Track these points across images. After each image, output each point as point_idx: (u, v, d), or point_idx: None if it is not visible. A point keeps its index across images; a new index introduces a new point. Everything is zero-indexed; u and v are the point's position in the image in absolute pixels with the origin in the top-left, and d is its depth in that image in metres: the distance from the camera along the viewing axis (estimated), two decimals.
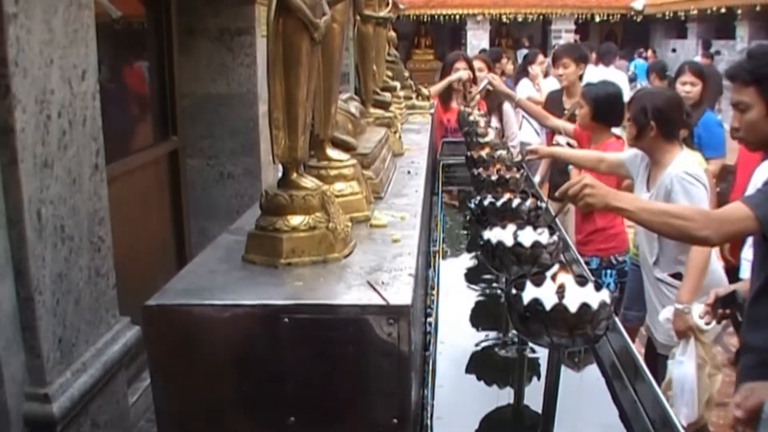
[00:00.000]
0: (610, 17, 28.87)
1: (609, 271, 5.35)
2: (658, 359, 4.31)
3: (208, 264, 1.92)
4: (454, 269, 3.71)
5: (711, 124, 6.27)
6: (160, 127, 5.58)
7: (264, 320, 1.64)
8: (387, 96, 3.71)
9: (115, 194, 3.53)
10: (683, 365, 3.57)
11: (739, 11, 21.76)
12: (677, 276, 4.21)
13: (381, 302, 1.63)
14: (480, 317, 3.19)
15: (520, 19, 28.55)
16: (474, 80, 7.51)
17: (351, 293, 1.69)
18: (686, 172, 4.09)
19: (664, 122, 4.21)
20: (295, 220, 1.87)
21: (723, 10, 22.20)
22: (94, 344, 3.23)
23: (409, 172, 3.12)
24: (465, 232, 4.43)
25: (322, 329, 1.64)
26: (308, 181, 1.94)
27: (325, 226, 1.89)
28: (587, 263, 5.27)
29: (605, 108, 5.44)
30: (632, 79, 19.00)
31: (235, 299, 1.67)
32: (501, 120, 7.65)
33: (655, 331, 4.42)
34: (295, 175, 1.93)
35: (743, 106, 3.10)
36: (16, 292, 2.79)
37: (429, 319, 2.74)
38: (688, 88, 6.33)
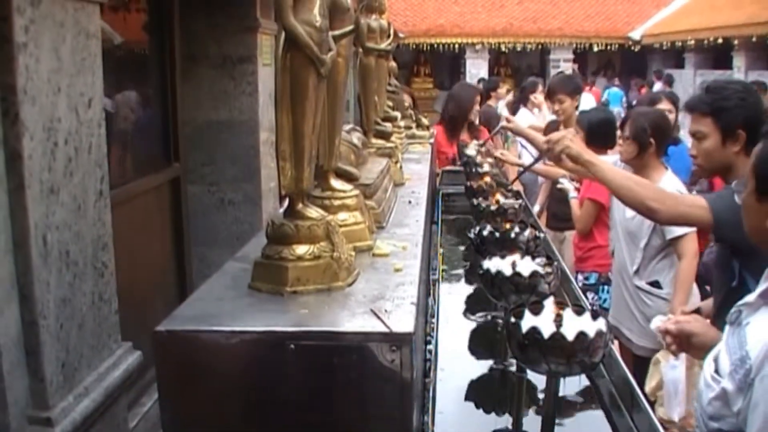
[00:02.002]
0: (608, 47, 29.02)
1: (607, 287, 5.41)
2: (637, 360, 4.44)
3: (216, 291, 1.96)
4: (453, 297, 3.74)
5: (683, 155, 6.37)
6: (162, 153, 5.62)
7: (270, 346, 1.69)
8: (388, 126, 3.76)
9: (117, 220, 3.57)
10: (676, 369, 3.65)
11: (736, 42, 21.88)
12: (655, 284, 4.47)
13: (384, 330, 1.67)
14: (479, 345, 3.23)
15: (518, 49, 28.67)
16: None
17: (355, 321, 1.74)
18: (678, 191, 4.25)
19: (661, 138, 4.38)
20: (301, 249, 1.92)
21: (720, 41, 22.32)
22: (96, 369, 3.25)
23: (410, 202, 3.17)
24: (464, 261, 4.47)
25: (326, 355, 1.68)
26: (313, 212, 1.99)
27: (330, 255, 1.94)
28: (586, 278, 5.36)
29: (599, 133, 5.58)
30: (605, 104, 19.27)
31: (243, 326, 1.71)
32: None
33: (630, 332, 4.61)
34: (300, 205, 1.99)
35: (700, 135, 3.37)
36: (21, 316, 2.82)
37: (429, 347, 2.77)
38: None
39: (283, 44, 1.88)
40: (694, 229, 4.20)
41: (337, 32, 2.13)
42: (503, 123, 6.36)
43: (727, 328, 2.20)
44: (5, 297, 2.73)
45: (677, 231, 4.26)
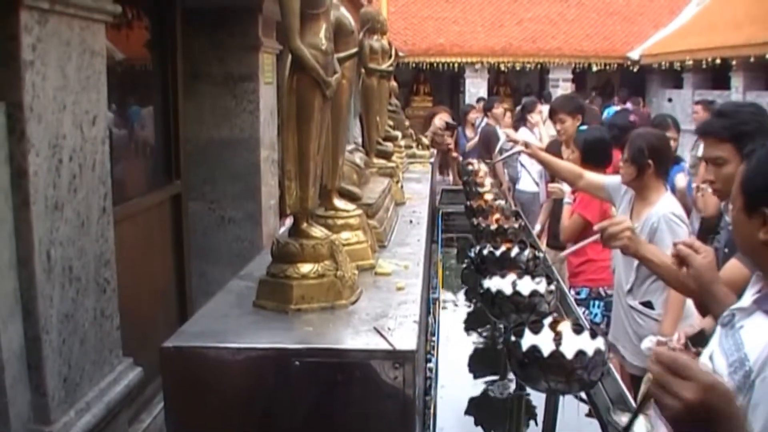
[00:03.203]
0: (607, 66, 29.06)
1: (597, 302, 5.45)
2: (633, 378, 4.45)
3: (221, 308, 1.99)
4: (453, 316, 3.78)
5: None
6: (164, 170, 5.63)
7: (276, 363, 1.72)
8: (389, 146, 3.79)
9: (118, 236, 3.59)
10: None
11: (734, 62, 21.93)
12: (647, 304, 4.45)
13: (387, 347, 1.71)
14: (479, 363, 3.25)
15: (518, 68, 28.72)
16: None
17: (359, 338, 1.77)
18: (673, 213, 4.31)
19: (659, 159, 4.40)
20: (305, 267, 1.95)
21: (718, 62, 22.37)
22: (97, 384, 3.27)
23: (411, 221, 3.20)
24: (463, 279, 4.50)
25: (331, 372, 1.72)
26: (318, 231, 2.03)
27: (334, 274, 1.97)
28: (577, 293, 5.37)
29: (594, 151, 5.63)
30: (602, 123, 19.40)
31: (248, 342, 1.75)
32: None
33: (624, 350, 4.59)
34: (305, 224, 2.02)
35: (721, 161, 3.31)
36: (24, 331, 2.84)
37: (430, 365, 2.80)
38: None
39: (289, 67, 1.92)
40: None
41: (341, 55, 2.18)
42: (519, 147, 6.35)
43: (719, 329, 2.24)
44: (9, 312, 2.76)
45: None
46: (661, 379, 1.57)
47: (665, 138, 4.68)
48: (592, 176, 5.05)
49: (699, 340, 3.45)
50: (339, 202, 2.38)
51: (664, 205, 4.34)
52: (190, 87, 5.97)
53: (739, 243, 2.25)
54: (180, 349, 1.74)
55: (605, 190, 4.85)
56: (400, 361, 1.70)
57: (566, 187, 5.82)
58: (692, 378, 1.54)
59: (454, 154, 7.59)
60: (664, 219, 4.27)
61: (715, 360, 2.14)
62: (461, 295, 4.27)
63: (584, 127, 6.33)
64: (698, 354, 3.47)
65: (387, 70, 3.67)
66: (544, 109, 10.52)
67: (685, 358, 1.59)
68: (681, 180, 6.38)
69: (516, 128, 10.35)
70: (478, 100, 20.05)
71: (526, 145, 5.74)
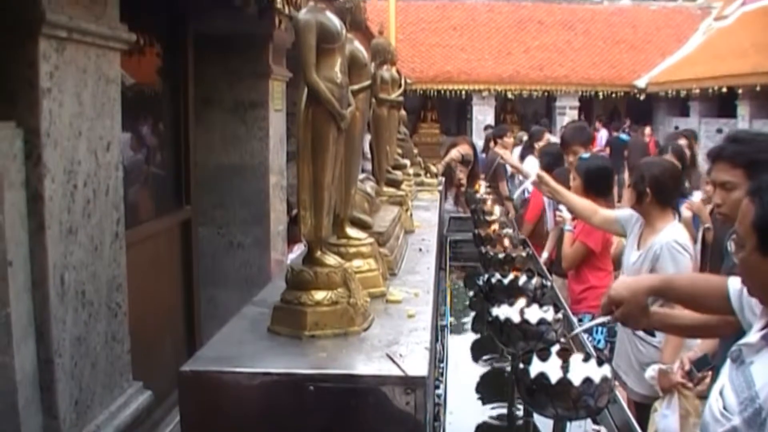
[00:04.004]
0: (614, 94, 29.15)
1: (600, 329, 5.45)
2: (637, 406, 4.46)
3: (236, 334, 2.04)
4: (461, 343, 3.80)
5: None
6: (174, 196, 5.68)
7: (291, 387, 1.76)
8: (399, 174, 3.83)
9: (129, 260, 3.63)
10: (668, 418, 3.69)
11: (740, 91, 21.99)
12: (649, 331, 4.40)
13: (400, 373, 1.75)
14: (486, 389, 3.28)
15: (525, 96, 28.81)
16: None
17: (372, 364, 1.81)
18: (676, 240, 4.34)
19: (659, 190, 4.44)
20: (319, 295, 2.00)
21: (724, 90, 22.44)
22: (107, 407, 3.30)
23: (420, 249, 3.24)
24: (471, 307, 4.52)
25: (344, 397, 1.76)
26: (331, 259, 2.08)
27: (347, 301, 2.01)
28: (580, 320, 5.37)
29: (595, 179, 5.67)
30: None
31: (264, 367, 1.79)
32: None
33: (626, 377, 4.59)
34: (319, 252, 2.07)
35: (730, 186, 3.34)
36: (37, 353, 2.88)
37: (438, 391, 2.83)
38: None
39: (305, 99, 1.98)
40: None
41: (355, 87, 2.23)
42: (533, 179, 6.35)
43: (728, 363, 2.26)
44: (22, 334, 2.80)
45: None
46: None
47: (670, 169, 4.71)
48: (606, 212, 5.10)
49: (702, 364, 3.51)
50: (351, 231, 2.43)
51: (669, 233, 4.37)
52: (200, 113, 6.03)
53: (751, 281, 2.24)
54: (197, 373, 1.78)
55: (618, 223, 4.89)
56: (412, 386, 1.74)
57: (567, 214, 5.86)
58: None
59: (462, 190, 7.65)
60: (667, 247, 4.30)
61: (725, 396, 2.16)
62: (469, 322, 4.30)
63: (586, 155, 6.37)
64: (702, 379, 3.52)
65: (397, 100, 3.72)
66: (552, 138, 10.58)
67: None
68: (686, 211, 6.40)
69: (523, 157, 10.39)
70: (485, 127, 20.13)
71: (540, 177, 5.78)
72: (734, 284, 2.54)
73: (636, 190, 4.50)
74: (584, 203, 5.28)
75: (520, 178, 9.48)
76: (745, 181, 3.25)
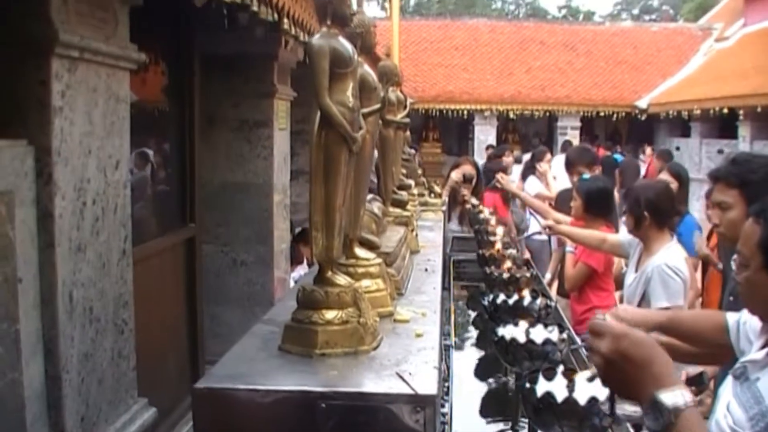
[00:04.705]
0: (615, 115, 29.19)
1: None
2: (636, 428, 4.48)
3: (248, 352, 2.07)
4: (465, 361, 3.83)
5: (690, 226, 6.47)
6: (179, 214, 5.72)
7: (302, 405, 1.80)
8: (404, 195, 3.86)
9: (134, 278, 3.67)
10: None
11: (741, 112, 22.03)
12: None
13: (410, 392, 1.78)
14: (491, 408, 3.31)
15: (526, 115, 28.86)
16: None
17: (382, 383, 1.84)
18: (666, 264, 4.38)
19: (656, 212, 4.49)
20: (330, 314, 2.04)
21: (725, 111, 22.47)
22: (113, 424, 3.33)
23: (426, 270, 3.27)
24: (474, 326, 4.55)
25: (355, 415, 1.79)
26: (342, 279, 2.11)
27: (357, 320, 2.05)
28: (583, 341, 5.37)
29: (596, 201, 5.73)
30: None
31: (276, 385, 1.83)
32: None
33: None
34: (330, 272, 2.11)
35: (726, 206, 3.44)
36: (45, 370, 2.91)
37: (444, 409, 2.86)
38: None
39: (318, 123, 2.02)
40: (680, 302, 4.30)
41: (365, 110, 2.27)
42: (542, 229, 6.33)
43: (731, 380, 2.30)
44: (31, 351, 2.83)
45: (663, 303, 4.33)
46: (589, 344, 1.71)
47: (664, 191, 4.76)
48: (612, 238, 5.18)
49: (698, 381, 3.54)
50: (360, 251, 2.46)
51: (661, 257, 4.42)
52: (205, 132, 6.10)
53: (755, 300, 2.27)
54: (212, 390, 1.82)
55: (623, 247, 4.96)
56: (422, 405, 1.77)
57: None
58: (605, 333, 1.67)
59: (468, 206, 7.67)
60: (657, 270, 4.36)
61: (732, 411, 2.20)
62: (472, 341, 4.33)
63: (587, 176, 6.42)
64: (698, 393, 3.54)
65: (404, 122, 3.75)
66: (555, 159, 10.62)
67: (605, 322, 1.70)
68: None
69: (525, 177, 10.43)
70: (487, 147, 20.18)
71: (550, 228, 5.84)
72: (732, 317, 2.60)
73: (633, 215, 4.54)
74: (592, 234, 5.33)
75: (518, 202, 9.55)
76: (741, 202, 3.33)
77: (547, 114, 29.08)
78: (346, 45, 2.10)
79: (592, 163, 7.23)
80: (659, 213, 4.52)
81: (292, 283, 7.06)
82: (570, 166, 7.35)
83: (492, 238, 4.83)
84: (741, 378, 2.24)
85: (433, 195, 6.04)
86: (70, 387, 3.04)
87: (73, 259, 3.07)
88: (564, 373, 2.13)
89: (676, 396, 1.57)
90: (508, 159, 11.69)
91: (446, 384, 3.17)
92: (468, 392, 3.41)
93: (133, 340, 3.66)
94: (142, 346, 3.84)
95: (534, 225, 8.76)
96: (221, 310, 6.43)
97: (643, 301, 4.54)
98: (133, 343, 3.65)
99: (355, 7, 2.21)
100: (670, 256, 4.47)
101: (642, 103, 28.48)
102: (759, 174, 3.36)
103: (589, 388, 2.01)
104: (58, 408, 2.98)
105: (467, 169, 8.40)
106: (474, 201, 7.29)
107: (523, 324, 2.72)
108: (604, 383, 1.77)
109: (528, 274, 3.78)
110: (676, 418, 1.55)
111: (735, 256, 2.34)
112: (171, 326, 5.56)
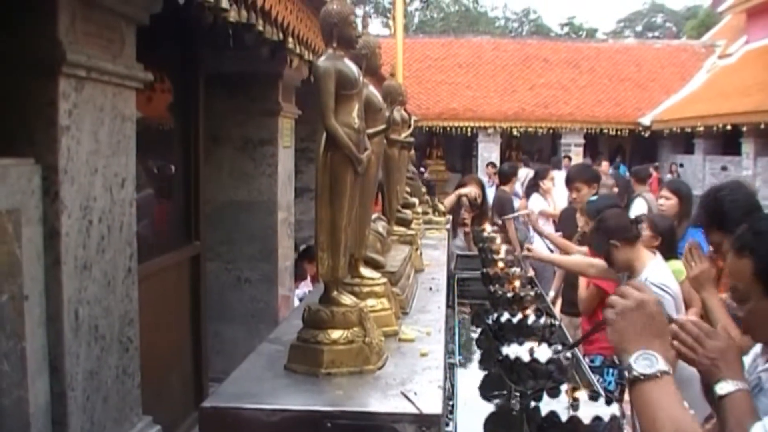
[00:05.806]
0: (619, 132, 29.23)
1: (611, 370, 5.45)
2: None
3: (254, 371, 2.08)
4: (469, 380, 3.83)
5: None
6: (184, 232, 5.73)
7: (309, 424, 1.80)
8: (408, 214, 3.86)
9: (138, 295, 3.68)
10: None
11: (744, 128, 22.08)
12: None
13: (415, 411, 1.79)
14: (496, 427, 3.31)
15: (530, 133, 28.91)
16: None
17: (387, 402, 1.85)
18: (650, 281, 4.31)
19: (619, 232, 4.58)
20: (335, 333, 2.05)
21: (728, 128, 22.52)
22: None
23: (430, 289, 3.28)
24: (478, 345, 4.55)
25: None
26: (347, 299, 2.13)
27: (362, 340, 2.06)
28: (591, 361, 5.38)
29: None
30: None
31: (283, 404, 1.83)
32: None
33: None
34: (335, 292, 2.12)
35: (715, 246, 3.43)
36: (51, 387, 2.92)
37: (448, 428, 2.86)
38: (662, 201, 6.54)
39: (324, 144, 2.04)
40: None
41: (371, 131, 2.29)
42: (522, 253, 6.39)
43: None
44: (37, 368, 2.84)
45: None
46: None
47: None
48: (599, 263, 5.14)
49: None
50: (365, 271, 2.47)
51: (644, 275, 4.42)
52: (210, 150, 6.11)
53: (762, 329, 2.26)
54: (218, 409, 1.83)
55: (610, 271, 4.95)
56: (427, 424, 1.78)
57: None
58: (640, 288, 2.02)
59: (467, 230, 7.72)
60: None
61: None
62: (476, 360, 4.33)
63: (594, 198, 6.43)
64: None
65: (408, 141, 3.77)
66: (557, 175, 10.61)
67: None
68: None
69: (528, 194, 10.45)
70: (488, 164, 20.20)
71: (529, 253, 5.89)
72: None
73: (603, 252, 4.55)
74: (577, 260, 5.35)
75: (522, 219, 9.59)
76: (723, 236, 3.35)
77: (551, 131, 29.15)
78: (351, 67, 2.12)
79: (591, 180, 7.23)
80: (622, 231, 4.52)
81: (296, 300, 7.08)
82: (569, 182, 7.36)
83: (496, 257, 4.84)
84: (756, 388, 2.24)
85: (437, 213, 6.04)
86: (76, 404, 3.04)
87: (78, 277, 3.08)
88: (568, 393, 2.15)
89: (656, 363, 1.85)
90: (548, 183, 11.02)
91: (450, 402, 3.17)
92: (472, 411, 3.41)
93: (138, 357, 3.67)
94: (147, 364, 3.85)
95: (538, 242, 8.76)
96: (225, 327, 6.43)
97: None
98: (138, 361, 3.66)
99: (360, 29, 2.22)
100: (652, 272, 4.46)
101: (645, 120, 28.56)
102: (726, 205, 3.48)
103: (593, 408, 2.03)
104: (63, 425, 2.99)
105: (473, 189, 8.40)
106: (471, 227, 7.36)
107: (528, 343, 2.73)
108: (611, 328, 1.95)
109: (532, 293, 3.79)
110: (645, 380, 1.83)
111: (729, 294, 2.36)
112: (175, 343, 5.57)
